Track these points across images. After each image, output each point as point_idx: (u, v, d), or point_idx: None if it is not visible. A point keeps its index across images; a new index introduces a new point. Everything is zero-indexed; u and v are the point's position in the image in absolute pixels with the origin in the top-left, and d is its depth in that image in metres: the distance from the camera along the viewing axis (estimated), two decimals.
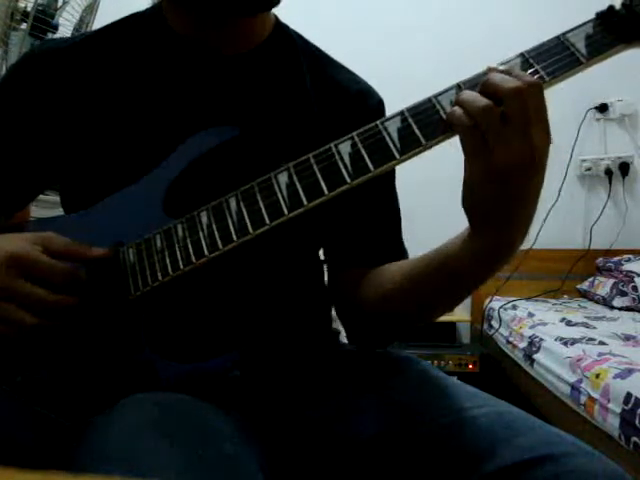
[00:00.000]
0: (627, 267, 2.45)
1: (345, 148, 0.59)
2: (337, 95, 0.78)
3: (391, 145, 0.57)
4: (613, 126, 2.73)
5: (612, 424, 1.28)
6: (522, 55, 0.57)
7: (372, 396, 0.68)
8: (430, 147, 0.57)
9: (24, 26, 1.41)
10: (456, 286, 0.67)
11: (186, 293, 0.67)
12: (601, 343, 1.71)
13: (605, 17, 0.57)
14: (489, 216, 0.58)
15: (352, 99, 0.79)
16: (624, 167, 2.69)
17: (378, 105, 0.82)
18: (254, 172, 0.62)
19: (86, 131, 0.71)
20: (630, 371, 1.34)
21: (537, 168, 0.55)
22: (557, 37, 0.57)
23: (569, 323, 2.05)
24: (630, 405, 1.23)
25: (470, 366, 2.36)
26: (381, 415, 0.65)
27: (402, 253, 0.80)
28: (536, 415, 0.62)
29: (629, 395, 1.25)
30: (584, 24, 0.58)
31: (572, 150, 2.68)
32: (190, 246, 0.62)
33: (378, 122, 0.58)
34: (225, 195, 0.62)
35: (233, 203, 0.61)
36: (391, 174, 0.81)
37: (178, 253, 0.62)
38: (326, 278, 0.84)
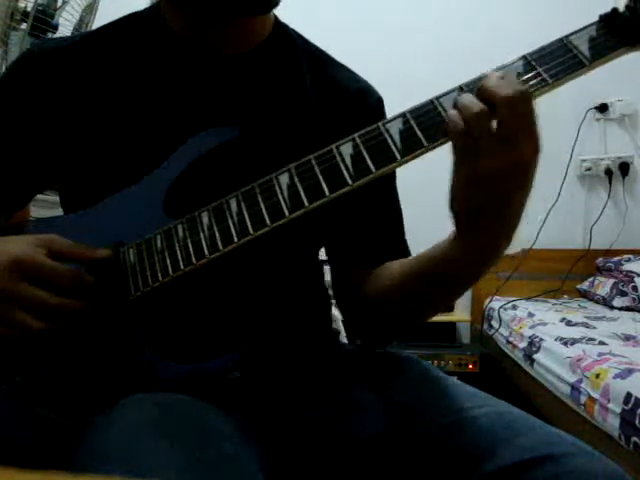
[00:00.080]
0: (627, 267, 2.45)
1: (346, 149, 0.59)
2: (337, 94, 0.78)
3: (392, 147, 0.57)
4: (613, 126, 2.73)
5: (612, 424, 1.28)
6: (524, 57, 0.57)
7: (372, 396, 0.68)
8: (432, 149, 0.57)
9: (24, 26, 1.41)
10: (444, 287, 0.68)
11: (186, 294, 0.67)
12: (601, 343, 1.71)
13: (608, 20, 0.57)
14: (473, 220, 0.59)
15: (352, 98, 0.79)
16: (624, 167, 2.69)
17: (377, 103, 0.82)
18: (254, 172, 0.62)
19: (85, 131, 0.71)
20: (630, 371, 1.34)
21: (523, 177, 0.55)
22: (560, 39, 0.57)
23: (569, 323, 2.05)
24: (630, 405, 1.23)
25: (470, 366, 2.36)
26: (381, 415, 0.65)
27: (405, 253, 0.80)
28: (536, 415, 0.62)
29: (629, 395, 1.25)
30: (587, 27, 0.57)
31: (572, 150, 2.68)
32: (190, 246, 0.62)
33: (380, 123, 0.58)
34: (226, 196, 0.62)
35: (234, 204, 0.61)
36: (392, 175, 0.81)
37: (178, 253, 0.62)
38: (327, 278, 0.84)
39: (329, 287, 0.84)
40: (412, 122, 0.57)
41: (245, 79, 0.74)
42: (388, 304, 0.74)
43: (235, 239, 0.60)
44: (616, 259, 2.55)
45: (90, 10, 1.54)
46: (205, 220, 0.62)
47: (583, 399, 1.46)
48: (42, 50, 0.74)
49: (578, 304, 2.52)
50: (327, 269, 0.84)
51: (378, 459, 0.63)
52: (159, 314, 0.67)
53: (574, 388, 1.52)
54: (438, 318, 2.47)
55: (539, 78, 0.56)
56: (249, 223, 0.60)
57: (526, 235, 2.59)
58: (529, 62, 0.57)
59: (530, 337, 1.96)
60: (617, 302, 2.38)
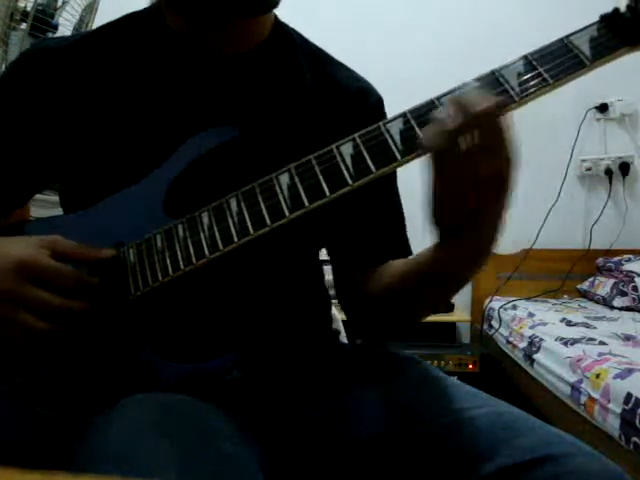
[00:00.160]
0: (627, 267, 2.45)
1: (347, 149, 0.59)
2: (337, 93, 0.78)
3: (393, 147, 0.57)
4: (613, 126, 2.73)
5: (612, 424, 1.28)
6: (525, 57, 0.57)
7: (372, 396, 0.68)
8: None
9: (24, 26, 1.40)
10: (436, 288, 0.70)
11: (186, 293, 0.67)
12: (601, 343, 1.71)
13: (609, 20, 0.57)
14: (456, 230, 0.59)
15: (352, 97, 0.79)
16: (624, 167, 2.69)
17: (378, 103, 0.82)
18: (254, 172, 0.62)
19: (85, 130, 0.71)
20: (630, 371, 1.34)
21: (500, 190, 0.56)
22: (561, 39, 0.57)
23: (569, 323, 2.05)
24: (630, 405, 1.23)
25: (470, 366, 2.36)
26: (381, 415, 0.65)
27: (407, 252, 0.80)
28: (536, 415, 0.62)
29: (629, 395, 1.25)
30: (588, 27, 0.57)
31: (572, 150, 2.67)
32: (191, 246, 0.62)
33: (380, 123, 0.58)
34: (226, 196, 0.62)
35: (234, 204, 0.61)
36: (393, 174, 0.81)
37: (179, 253, 0.62)
38: (327, 278, 0.84)
39: (329, 287, 0.84)
40: (412, 122, 0.57)
41: (245, 79, 0.74)
42: (389, 301, 0.74)
43: (235, 239, 0.60)
44: (616, 259, 2.55)
45: (90, 10, 1.54)
46: (205, 220, 0.62)
47: (583, 399, 1.45)
48: (42, 49, 0.74)
49: (578, 304, 2.52)
50: (327, 269, 0.84)
51: (378, 459, 0.63)
52: (159, 314, 0.67)
53: (574, 388, 1.52)
54: (438, 318, 2.47)
55: (540, 78, 0.56)
56: (249, 223, 0.60)
57: (526, 235, 2.59)
58: (530, 62, 0.57)
59: (530, 337, 1.96)
60: (617, 302, 2.38)
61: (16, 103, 0.73)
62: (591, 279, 2.64)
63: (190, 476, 0.46)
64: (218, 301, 0.71)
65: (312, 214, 0.59)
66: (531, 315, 2.22)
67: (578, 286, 2.68)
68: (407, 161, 0.57)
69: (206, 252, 0.61)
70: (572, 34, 0.57)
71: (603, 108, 2.70)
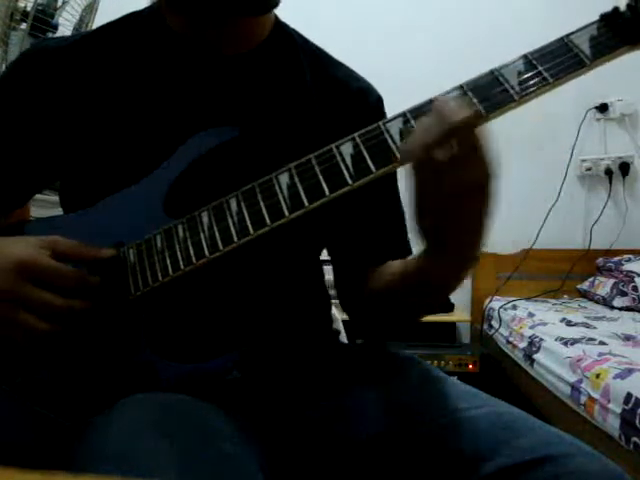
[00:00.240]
0: (627, 267, 2.45)
1: (347, 149, 0.58)
2: (337, 93, 0.78)
3: (393, 146, 0.57)
4: (613, 126, 2.73)
5: (612, 424, 1.28)
6: (525, 57, 0.57)
7: (372, 396, 0.68)
8: None
9: (24, 26, 1.40)
10: (415, 297, 0.70)
11: (186, 293, 0.67)
12: (601, 343, 1.71)
13: (609, 19, 0.57)
14: (441, 236, 0.59)
15: (352, 97, 0.79)
16: (624, 167, 2.69)
17: (378, 103, 0.82)
18: (254, 172, 0.62)
19: (85, 130, 0.71)
20: (630, 371, 1.34)
21: (480, 197, 0.56)
22: (561, 39, 0.57)
23: (569, 323, 2.05)
24: (630, 405, 1.23)
25: (470, 366, 2.36)
26: (381, 415, 0.65)
27: (408, 251, 0.80)
28: (536, 415, 0.62)
29: (629, 395, 1.25)
30: (588, 26, 0.57)
31: (572, 150, 2.67)
32: (191, 246, 0.62)
33: (380, 123, 0.58)
34: (226, 195, 0.62)
35: (234, 203, 0.61)
36: (394, 174, 0.81)
37: (178, 253, 0.62)
38: (327, 278, 0.84)
39: (329, 287, 0.84)
40: (412, 122, 0.57)
41: (245, 79, 0.74)
42: (390, 299, 0.74)
43: (235, 239, 0.60)
44: (616, 259, 2.55)
45: (90, 10, 1.54)
46: (205, 220, 0.62)
47: (583, 399, 1.45)
48: (42, 49, 0.74)
49: (578, 304, 2.52)
50: (327, 269, 0.84)
51: (378, 459, 0.63)
52: (159, 314, 0.67)
53: (574, 388, 1.52)
54: (438, 318, 2.47)
55: (540, 77, 0.56)
56: (249, 223, 0.60)
57: (526, 235, 2.59)
58: (530, 61, 0.57)
59: (530, 337, 1.96)
60: (617, 302, 2.38)
61: (16, 103, 0.73)
62: (591, 279, 2.64)
63: (190, 476, 0.46)
64: (218, 301, 0.71)
65: (312, 214, 0.59)
66: (531, 315, 2.22)
67: (578, 286, 2.68)
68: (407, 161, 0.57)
69: (206, 252, 0.61)
70: (572, 33, 0.57)
71: (603, 108, 2.70)
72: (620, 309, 2.35)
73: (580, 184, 2.76)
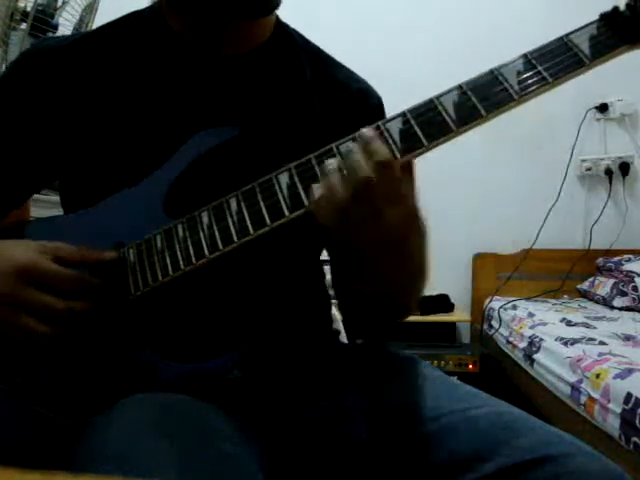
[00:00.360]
0: (627, 267, 2.45)
1: (347, 149, 0.58)
2: (338, 94, 0.78)
3: (393, 146, 0.57)
4: (613, 126, 2.73)
5: (612, 424, 1.28)
6: (525, 56, 0.57)
7: (372, 396, 0.68)
8: (432, 148, 0.57)
9: (24, 26, 1.40)
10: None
11: (186, 293, 0.67)
12: (601, 343, 1.71)
13: (609, 18, 0.57)
14: (377, 259, 0.61)
15: (353, 98, 0.79)
16: (624, 167, 2.69)
17: (378, 104, 0.82)
18: (254, 172, 0.62)
19: (85, 130, 0.71)
20: (630, 371, 1.34)
21: (394, 248, 0.58)
22: (560, 38, 0.57)
23: (569, 323, 2.05)
24: (630, 405, 1.23)
25: (470, 366, 2.36)
26: (381, 415, 0.65)
27: None
28: (536, 415, 0.62)
29: (629, 395, 1.25)
30: (588, 25, 0.57)
31: (572, 150, 2.67)
32: (191, 246, 0.62)
33: (380, 123, 0.58)
34: (226, 195, 0.62)
35: (234, 203, 0.61)
36: None
37: (178, 253, 0.62)
38: (327, 277, 0.84)
39: (329, 287, 0.84)
40: (412, 121, 0.57)
41: (246, 79, 0.74)
42: (387, 296, 0.73)
43: (235, 239, 0.60)
44: (616, 259, 2.55)
45: (90, 10, 1.54)
46: (205, 220, 0.62)
47: (583, 399, 1.45)
48: (42, 49, 0.74)
49: (578, 304, 2.52)
50: (327, 269, 0.84)
51: (378, 459, 0.63)
52: (159, 314, 0.67)
53: (574, 388, 1.52)
54: (438, 318, 2.48)
55: (539, 77, 0.56)
56: (249, 223, 0.60)
57: (526, 235, 2.59)
58: (529, 60, 0.57)
59: (530, 337, 1.96)
60: (617, 302, 2.38)
61: (17, 103, 0.73)
62: (591, 279, 2.64)
63: (190, 476, 0.46)
64: (218, 301, 0.70)
65: (313, 214, 0.59)
66: (531, 315, 2.22)
67: (578, 286, 2.68)
68: (407, 160, 0.57)
69: (206, 252, 0.61)
70: (572, 33, 0.57)
71: (603, 108, 2.70)
72: (620, 309, 2.35)
73: (580, 184, 2.76)
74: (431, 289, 2.43)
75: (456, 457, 0.59)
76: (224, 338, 0.70)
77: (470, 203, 2.69)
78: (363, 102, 0.80)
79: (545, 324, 2.04)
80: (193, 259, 0.61)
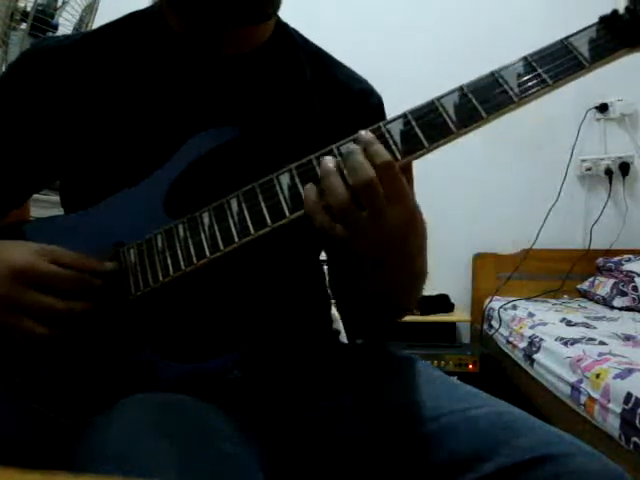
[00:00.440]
0: (627, 267, 2.45)
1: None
2: (339, 94, 0.78)
3: (393, 147, 0.57)
4: (613, 126, 2.73)
5: (612, 424, 1.28)
6: (525, 59, 0.58)
7: (372, 396, 0.68)
8: (432, 149, 0.57)
9: (24, 26, 1.40)
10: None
11: (187, 294, 0.67)
12: (601, 343, 1.71)
13: (609, 21, 0.57)
14: (377, 263, 0.62)
15: (354, 98, 0.79)
16: (624, 167, 2.69)
17: (379, 104, 0.82)
18: (255, 172, 0.62)
19: (86, 130, 0.71)
20: (630, 371, 1.34)
21: (394, 248, 0.59)
22: (560, 41, 0.58)
23: (569, 323, 2.05)
24: (630, 405, 1.23)
25: (470, 366, 2.36)
26: (381, 415, 0.65)
27: None
28: (536, 415, 0.62)
29: (629, 395, 1.25)
30: (587, 28, 0.58)
31: (572, 150, 2.67)
32: (191, 246, 0.62)
33: (381, 124, 0.58)
34: (226, 196, 0.62)
35: (234, 204, 0.61)
36: None
37: (179, 253, 0.62)
38: (327, 278, 0.84)
39: (329, 287, 0.84)
40: (413, 123, 0.57)
41: (246, 79, 0.74)
42: (386, 296, 0.74)
43: (236, 239, 0.60)
44: (616, 259, 2.55)
45: (90, 10, 1.54)
46: (206, 220, 0.62)
47: (583, 399, 1.46)
48: (43, 49, 0.74)
49: (578, 304, 2.52)
50: (327, 269, 0.84)
51: (378, 459, 0.63)
52: (159, 314, 0.67)
53: (574, 388, 1.52)
54: (438, 318, 2.48)
55: (539, 79, 0.56)
56: (250, 223, 0.60)
57: (526, 235, 2.59)
58: (529, 63, 0.57)
59: (530, 337, 1.96)
60: (617, 302, 2.38)
61: (17, 103, 0.73)
62: (591, 279, 2.64)
63: (190, 476, 0.46)
64: (219, 301, 0.71)
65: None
66: (531, 315, 2.22)
67: (578, 286, 2.68)
68: (407, 162, 0.58)
69: (207, 252, 0.61)
70: (571, 35, 0.58)
71: (603, 108, 2.70)
72: (620, 309, 2.35)
73: (580, 184, 2.76)
74: (431, 289, 2.43)
75: (456, 457, 0.59)
76: (224, 338, 0.70)
77: (470, 203, 2.69)
78: (364, 102, 0.80)
79: (545, 324, 2.04)
80: (194, 259, 0.62)
